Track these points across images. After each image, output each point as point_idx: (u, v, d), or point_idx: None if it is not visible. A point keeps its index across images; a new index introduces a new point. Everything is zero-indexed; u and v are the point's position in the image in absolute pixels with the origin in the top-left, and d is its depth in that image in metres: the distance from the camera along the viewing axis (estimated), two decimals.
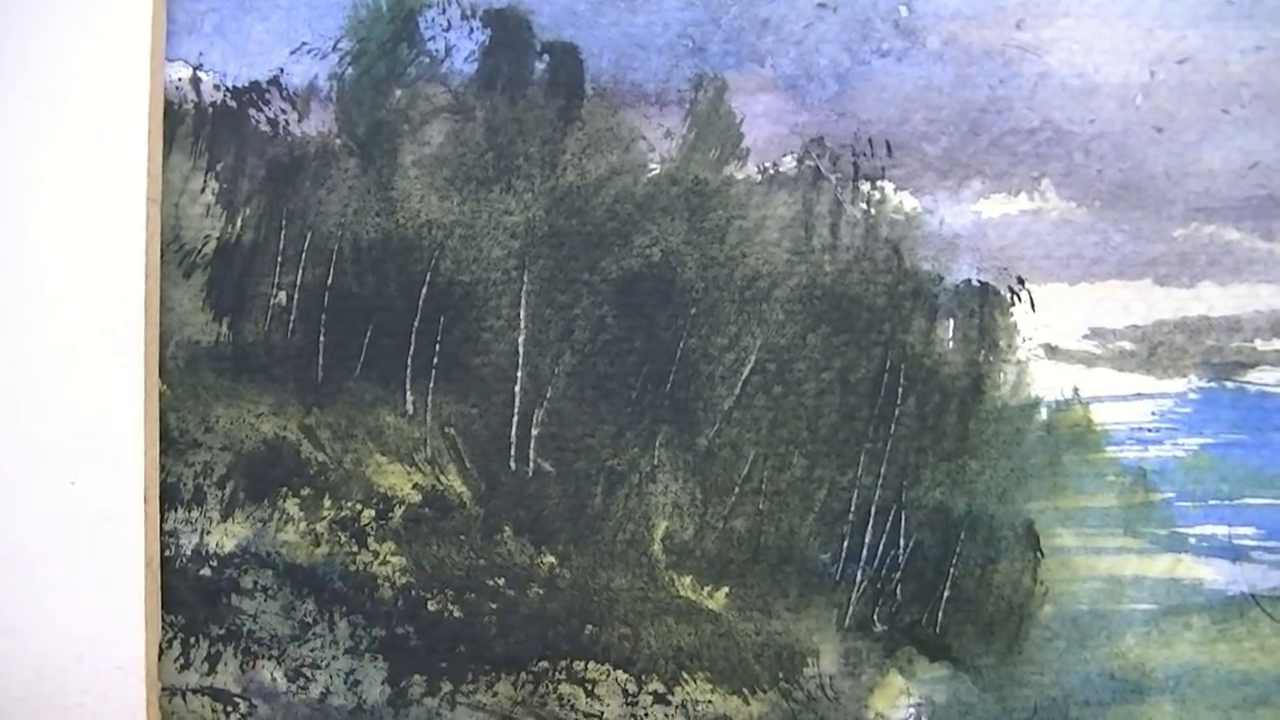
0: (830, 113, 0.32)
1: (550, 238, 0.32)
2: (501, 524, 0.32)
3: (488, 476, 0.32)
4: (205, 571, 0.33)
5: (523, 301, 0.32)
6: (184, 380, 0.33)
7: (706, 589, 0.32)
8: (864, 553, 0.32)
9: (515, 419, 0.32)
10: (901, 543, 0.32)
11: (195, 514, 0.33)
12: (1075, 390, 0.32)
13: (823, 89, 0.32)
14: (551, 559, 0.32)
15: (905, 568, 0.32)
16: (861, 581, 0.32)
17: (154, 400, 0.32)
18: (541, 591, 0.32)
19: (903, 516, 0.32)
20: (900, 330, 0.32)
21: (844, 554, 0.32)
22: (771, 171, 0.32)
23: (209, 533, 0.33)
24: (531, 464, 0.32)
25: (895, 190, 0.32)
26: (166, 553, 0.33)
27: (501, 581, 0.32)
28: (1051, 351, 0.32)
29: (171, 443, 0.33)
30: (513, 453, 0.32)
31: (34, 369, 0.32)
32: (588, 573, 0.32)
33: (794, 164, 0.32)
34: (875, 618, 0.32)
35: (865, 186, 0.32)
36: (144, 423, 0.32)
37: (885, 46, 0.32)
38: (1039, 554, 0.32)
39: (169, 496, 0.33)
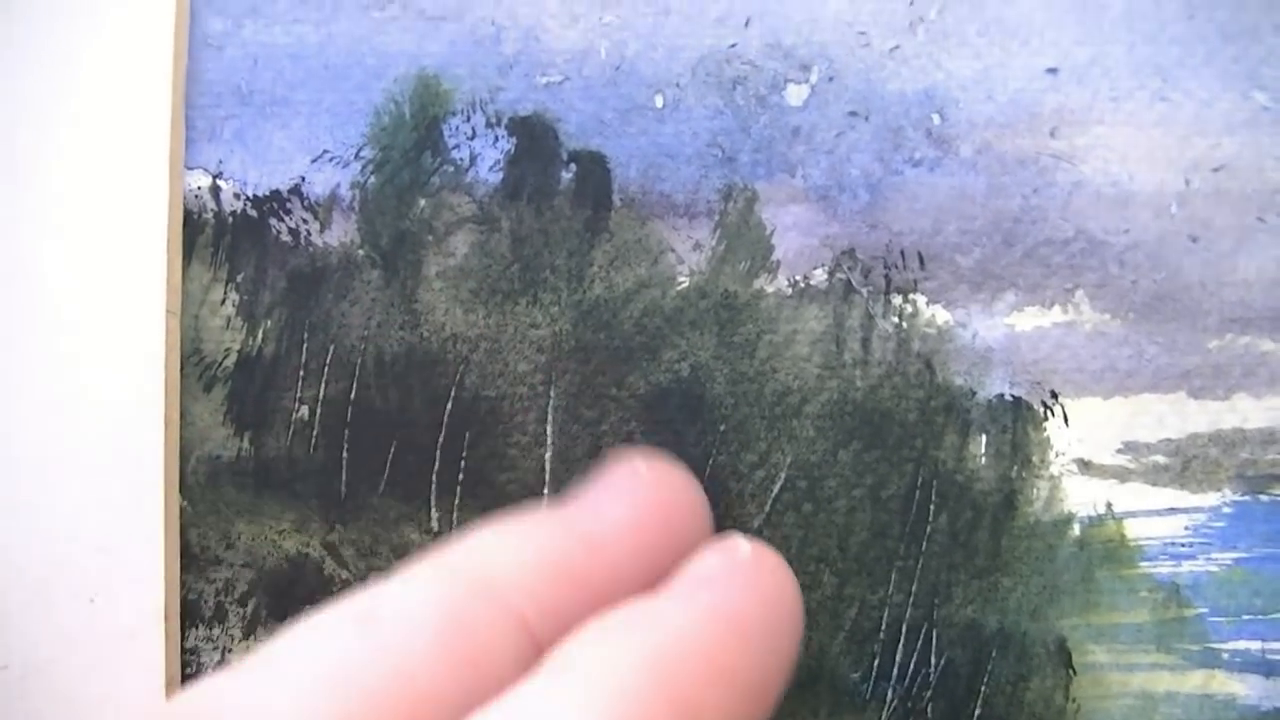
0: (862, 224, 0.32)
1: (577, 351, 0.32)
2: None
3: None
4: None
5: (549, 417, 0.32)
6: (205, 496, 0.32)
7: None
8: (895, 671, 0.32)
9: None
10: (933, 660, 0.32)
11: (216, 631, 0.33)
12: (1108, 505, 0.32)
13: (854, 199, 0.32)
14: None
15: (936, 686, 0.32)
16: (892, 700, 0.32)
17: (174, 516, 0.32)
18: None
19: (934, 634, 0.32)
20: (932, 446, 0.32)
21: (874, 672, 0.32)
22: (802, 284, 0.32)
23: (230, 651, 0.32)
24: None
25: (928, 303, 0.32)
26: (187, 671, 0.32)
27: None
28: (1085, 466, 0.32)
29: (192, 559, 0.32)
30: None
31: (52, 484, 0.32)
32: None
33: (825, 277, 0.32)
34: None
35: (897, 300, 0.32)
36: (164, 539, 0.32)
37: (918, 155, 0.32)
38: (1071, 671, 0.32)
39: (190, 614, 0.33)
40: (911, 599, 0.32)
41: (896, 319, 0.32)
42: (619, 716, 0.17)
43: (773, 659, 0.21)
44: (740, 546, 0.22)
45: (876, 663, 0.32)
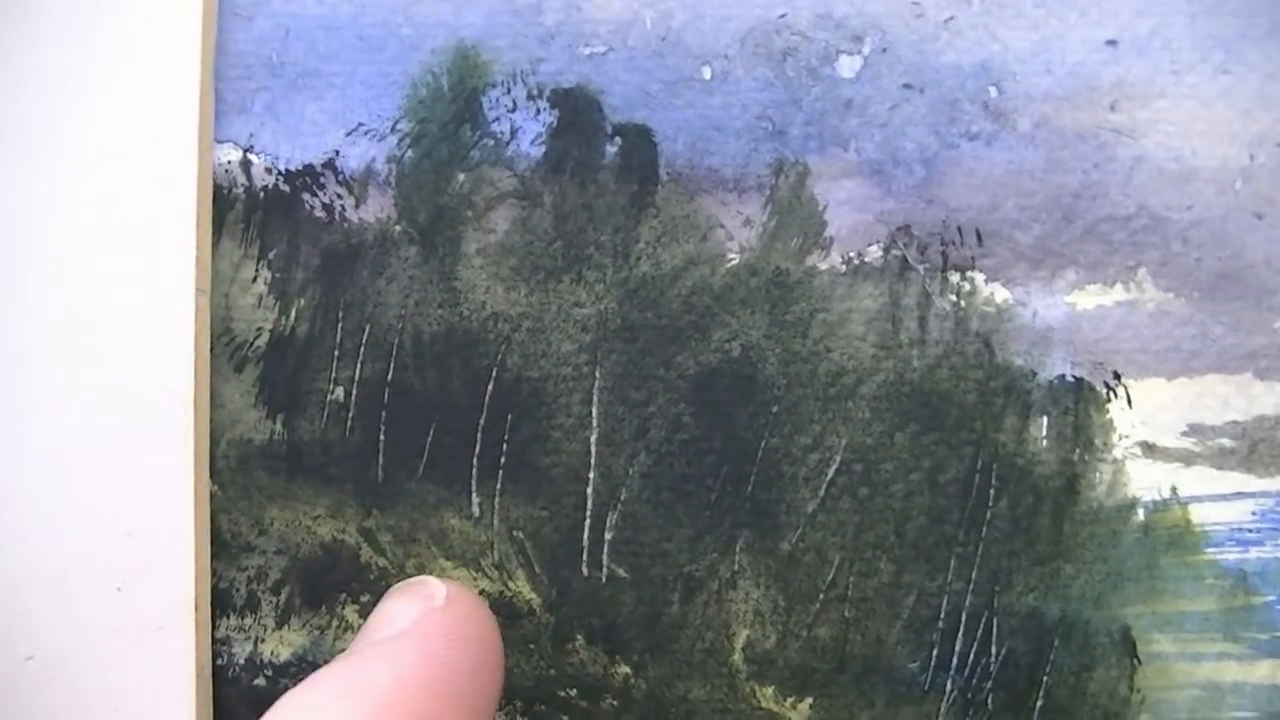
0: (917, 199, 0.31)
1: (623, 331, 0.31)
2: (573, 632, 0.31)
3: (558, 582, 0.31)
4: (259, 681, 0.31)
5: (594, 398, 0.31)
6: (236, 481, 0.31)
7: (789, 700, 0.31)
8: (954, 661, 0.31)
9: (587, 522, 0.31)
10: (993, 650, 0.31)
11: (248, 621, 0.31)
12: (1173, 490, 0.31)
13: (909, 174, 0.31)
14: (626, 669, 0.31)
15: (997, 676, 0.31)
16: (951, 691, 0.31)
17: (204, 502, 0.31)
18: (615, 703, 0.31)
19: (994, 623, 0.31)
20: (992, 429, 0.31)
21: (933, 662, 0.31)
22: (856, 262, 0.31)
23: (263, 641, 0.31)
24: (605, 569, 0.31)
25: (986, 281, 0.31)
26: (218, 662, 0.31)
27: (573, 692, 0.31)
28: (1149, 450, 0.31)
29: (223, 546, 0.31)
30: (585, 557, 0.31)
31: (76, 468, 0.31)
32: (664, 683, 0.31)
33: (880, 254, 0.31)
34: None
35: (954, 277, 0.31)
36: (194, 525, 0.31)
37: (974, 129, 0.31)
38: (1136, 661, 0.31)
39: (220, 603, 0.32)
40: (971, 586, 0.31)
41: (954, 297, 0.31)
42: None
43: (481, 696, 0.22)
44: (436, 593, 0.23)
45: (935, 652, 0.31)
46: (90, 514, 0.31)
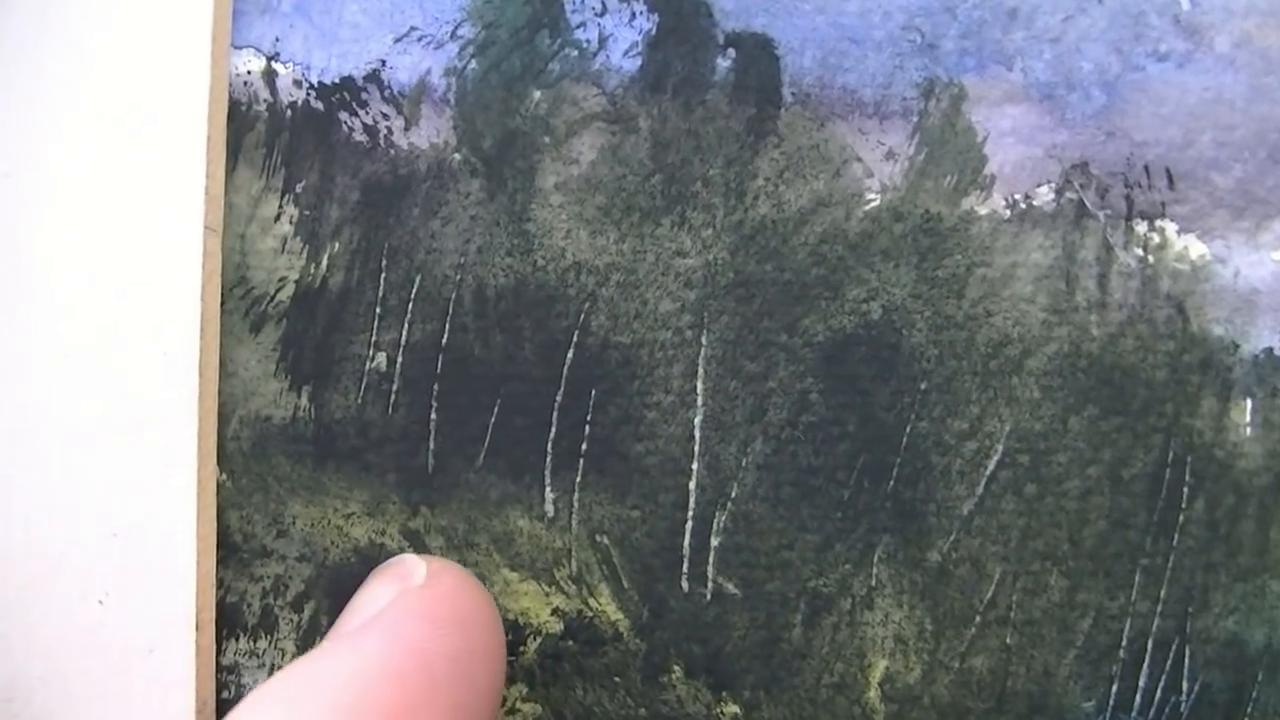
0: (1096, 131, 0.26)
1: (736, 287, 0.25)
2: (670, 662, 0.25)
3: (652, 600, 0.25)
4: None
5: (700, 370, 0.25)
6: (249, 468, 0.25)
7: None
8: (1137, 699, 0.26)
9: (689, 525, 0.25)
10: (1185, 685, 0.25)
11: (263, 645, 0.26)
12: None
13: (1086, 101, 0.26)
14: (735, 708, 0.25)
15: (1189, 717, 0.25)
16: None
17: (209, 494, 0.25)
18: None
19: (1186, 652, 0.25)
20: (1185, 413, 0.25)
21: (1112, 700, 0.26)
22: (1023, 205, 0.25)
23: (280, 669, 0.25)
24: (710, 584, 0.25)
25: (1178, 232, 0.26)
26: (224, 695, 0.26)
27: None
28: None
29: (232, 550, 0.26)
30: (685, 569, 0.25)
31: (51, 453, 0.25)
32: None
33: (1051, 196, 0.26)
34: None
35: (1141, 227, 0.25)
36: (196, 523, 0.25)
37: (1163, 48, 0.26)
38: None
39: (228, 621, 0.26)
40: (1159, 607, 0.25)
41: (1140, 251, 0.25)
42: None
43: (467, 687, 0.20)
44: (414, 571, 0.22)
45: (1115, 688, 0.26)
46: (67, 508, 0.25)
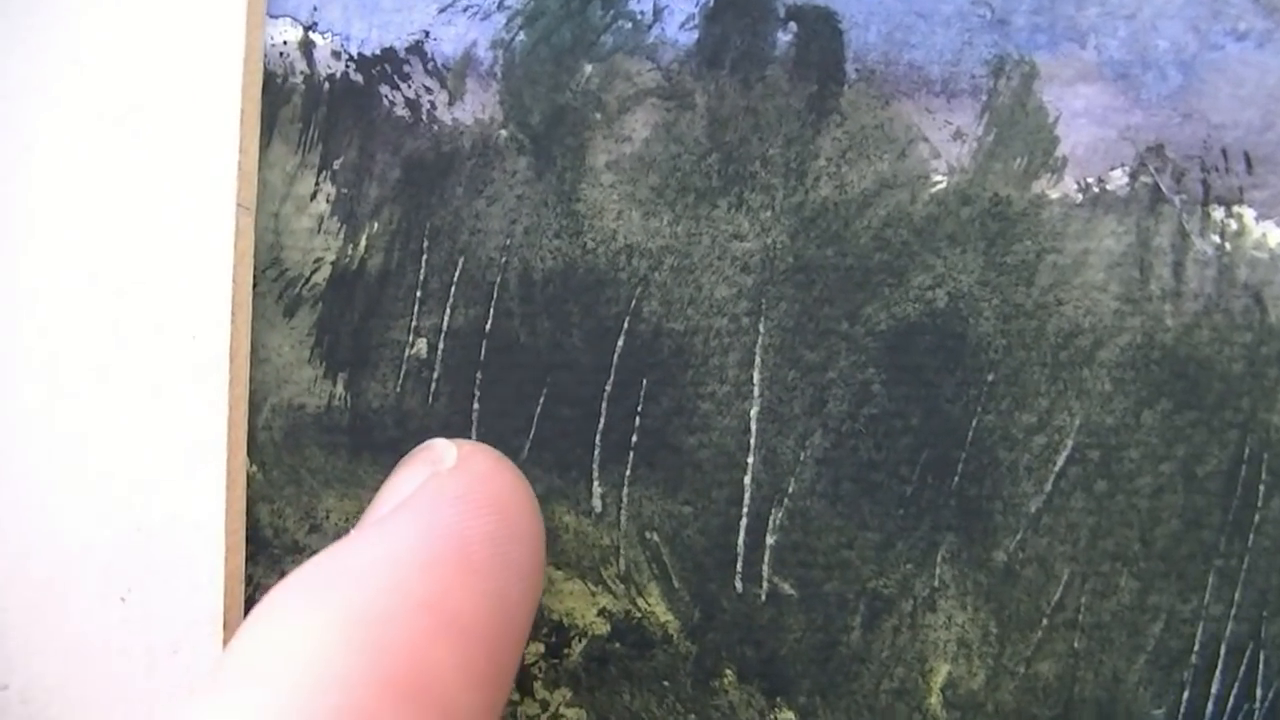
0: (1172, 113, 0.25)
1: (796, 273, 0.24)
2: (722, 666, 0.24)
3: (704, 601, 0.24)
4: None
5: (757, 360, 0.24)
6: (281, 459, 0.24)
7: None
8: (1209, 707, 0.25)
9: (744, 522, 0.24)
10: (1259, 693, 0.25)
11: None
12: None
13: (1162, 81, 0.25)
14: (790, 714, 0.24)
15: None
16: None
17: (239, 487, 0.24)
18: None
19: (1261, 657, 0.25)
20: (1263, 407, 0.24)
21: (1183, 708, 0.25)
22: (1096, 189, 0.24)
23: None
24: (765, 584, 0.24)
25: (1257, 219, 0.25)
26: None
27: None
28: None
29: (262, 545, 0.24)
30: (739, 568, 0.24)
31: (71, 443, 0.24)
32: None
33: (1125, 180, 0.24)
34: None
35: (1218, 213, 0.24)
36: (225, 518, 0.24)
37: (1242, 26, 0.25)
38: None
39: None
40: (1234, 611, 0.24)
41: (1217, 238, 0.24)
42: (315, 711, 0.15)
43: (506, 572, 0.19)
44: (445, 455, 0.21)
45: (1186, 695, 0.25)
46: (88, 501, 0.24)
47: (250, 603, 0.25)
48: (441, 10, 0.25)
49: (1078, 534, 0.25)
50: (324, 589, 0.17)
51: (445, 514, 0.19)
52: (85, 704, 0.24)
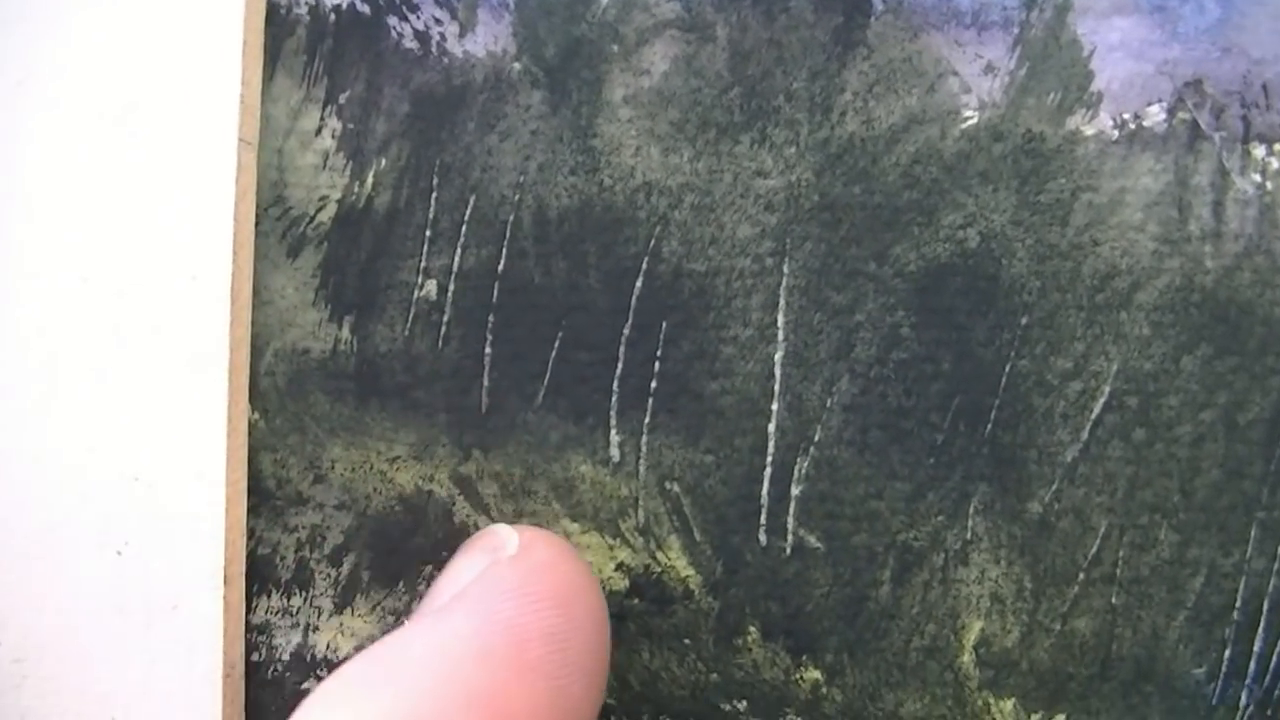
0: (1210, 47, 0.24)
1: (822, 211, 0.23)
2: (745, 622, 0.23)
3: (726, 554, 0.23)
4: (311, 685, 0.23)
5: (781, 302, 0.23)
6: (285, 406, 0.23)
7: (1035, 718, 0.23)
8: (1252, 665, 0.24)
9: (768, 472, 0.23)
10: None
11: (297, 602, 0.24)
12: None
13: (1200, 13, 0.24)
14: (816, 673, 0.23)
15: None
16: (1247, 706, 0.24)
17: (240, 435, 0.23)
18: None
19: None
20: None
21: (1224, 668, 0.24)
22: (1132, 126, 0.24)
23: (316, 629, 0.23)
24: (790, 537, 0.23)
25: None
26: (254, 657, 0.23)
27: (743, 705, 0.23)
28: None
29: (264, 497, 0.23)
30: (763, 520, 0.23)
31: (65, 388, 0.23)
32: (868, 694, 0.23)
33: (1163, 116, 0.24)
34: None
35: (1259, 151, 0.24)
36: (225, 467, 0.23)
37: None
38: None
39: (259, 575, 0.24)
40: (1277, 566, 0.24)
41: (1259, 177, 0.24)
42: None
43: (567, 668, 0.18)
44: (506, 541, 0.21)
45: (1228, 653, 0.24)
46: (83, 449, 0.23)
47: (252, 557, 0.24)
48: None
49: (1115, 484, 0.24)
50: (377, 683, 0.17)
51: (502, 607, 0.18)
52: (79, 662, 0.23)
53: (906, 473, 0.24)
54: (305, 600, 0.24)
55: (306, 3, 0.24)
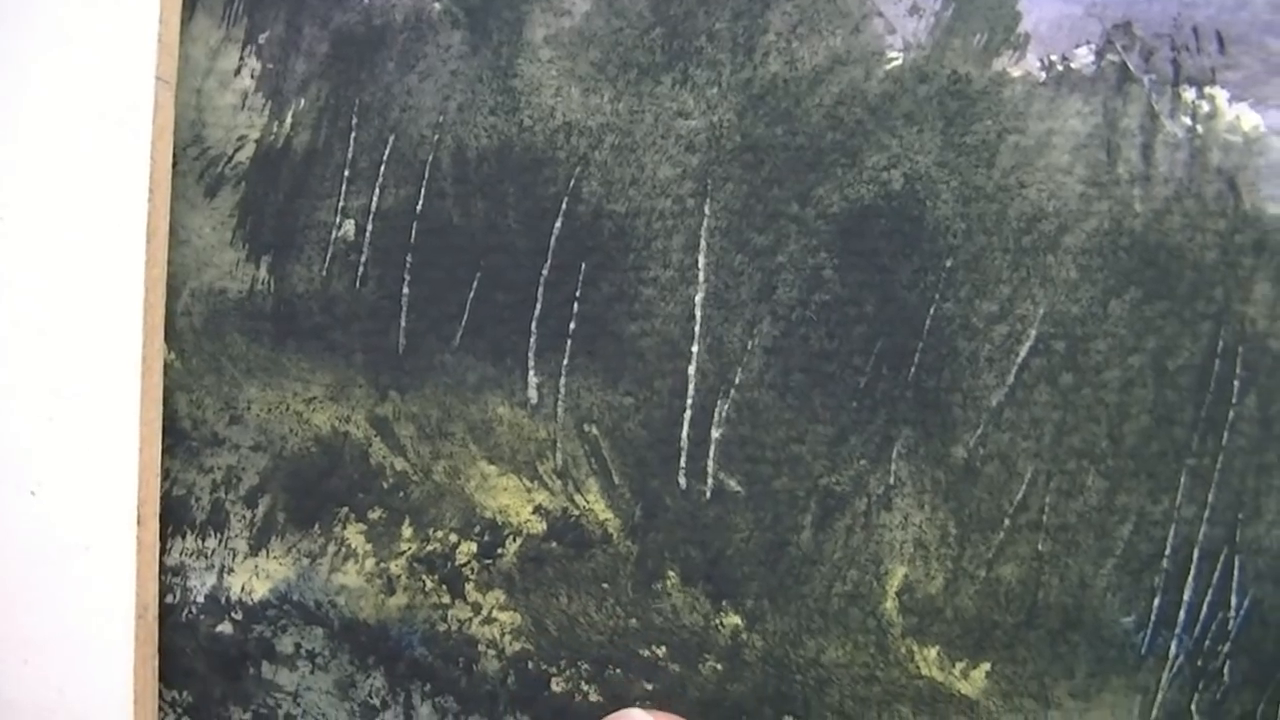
0: None
1: (744, 152, 0.23)
2: (664, 567, 0.23)
3: (645, 498, 0.23)
4: (225, 628, 0.23)
5: (702, 243, 0.23)
6: (201, 346, 0.23)
7: (959, 666, 0.23)
8: (1182, 615, 0.23)
9: (688, 414, 0.23)
10: (1233, 600, 0.24)
11: (212, 543, 0.23)
12: None
13: None
14: (736, 619, 0.23)
15: (1238, 637, 0.24)
16: (1177, 656, 0.24)
17: (155, 374, 0.23)
18: (720, 667, 0.23)
19: (1236, 563, 0.23)
20: (1237, 298, 0.23)
21: (1153, 616, 0.24)
22: (1060, 68, 0.24)
23: (232, 571, 0.23)
24: (710, 480, 0.23)
25: (1230, 100, 0.24)
26: (168, 599, 0.23)
27: (661, 651, 0.23)
28: None
29: (179, 438, 0.23)
30: (683, 464, 0.23)
31: None
32: (789, 640, 0.23)
33: (1091, 59, 0.24)
34: (1194, 708, 0.23)
35: (1189, 94, 0.23)
36: (139, 408, 0.23)
37: None
38: None
39: (174, 517, 0.23)
40: (1207, 514, 0.23)
41: (1188, 120, 0.23)
42: None
43: None
44: None
45: (1157, 602, 0.23)
46: None
47: (166, 498, 0.24)
48: None
49: (1042, 429, 0.23)
50: None
51: None
52: None
53: (829, 416, 0.24)
54: (220, 542, 0.24)
55: None
